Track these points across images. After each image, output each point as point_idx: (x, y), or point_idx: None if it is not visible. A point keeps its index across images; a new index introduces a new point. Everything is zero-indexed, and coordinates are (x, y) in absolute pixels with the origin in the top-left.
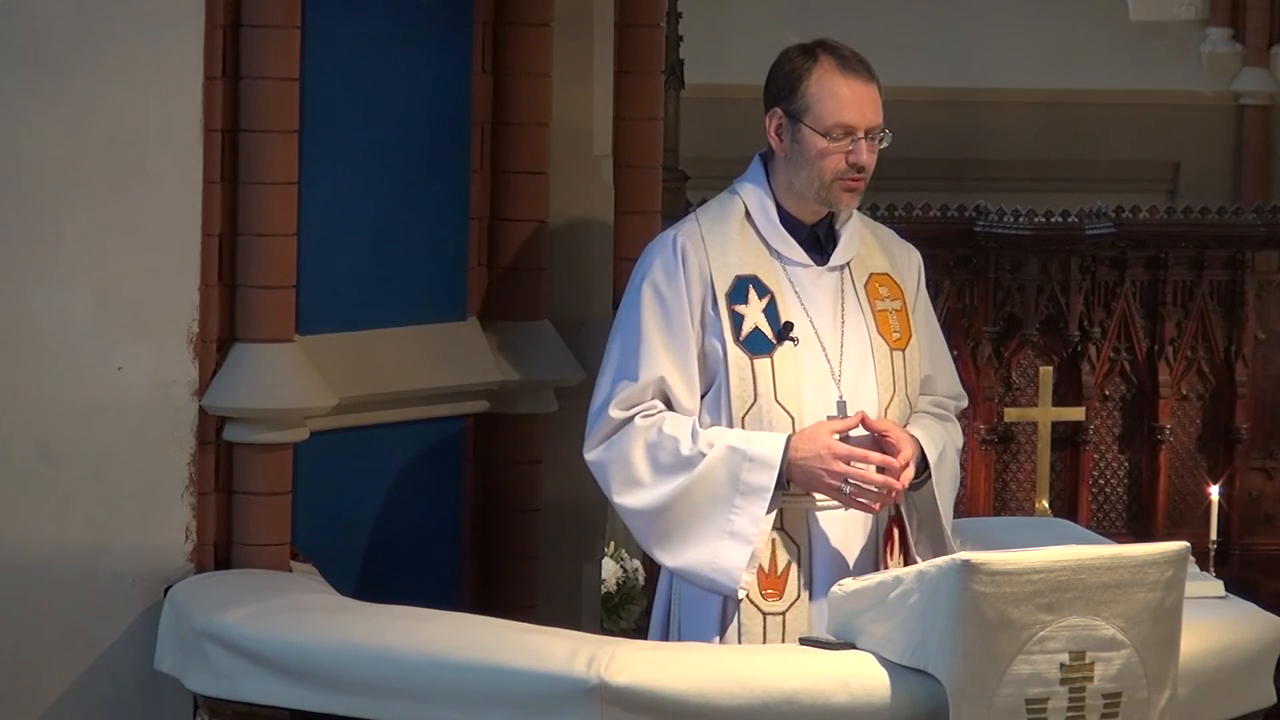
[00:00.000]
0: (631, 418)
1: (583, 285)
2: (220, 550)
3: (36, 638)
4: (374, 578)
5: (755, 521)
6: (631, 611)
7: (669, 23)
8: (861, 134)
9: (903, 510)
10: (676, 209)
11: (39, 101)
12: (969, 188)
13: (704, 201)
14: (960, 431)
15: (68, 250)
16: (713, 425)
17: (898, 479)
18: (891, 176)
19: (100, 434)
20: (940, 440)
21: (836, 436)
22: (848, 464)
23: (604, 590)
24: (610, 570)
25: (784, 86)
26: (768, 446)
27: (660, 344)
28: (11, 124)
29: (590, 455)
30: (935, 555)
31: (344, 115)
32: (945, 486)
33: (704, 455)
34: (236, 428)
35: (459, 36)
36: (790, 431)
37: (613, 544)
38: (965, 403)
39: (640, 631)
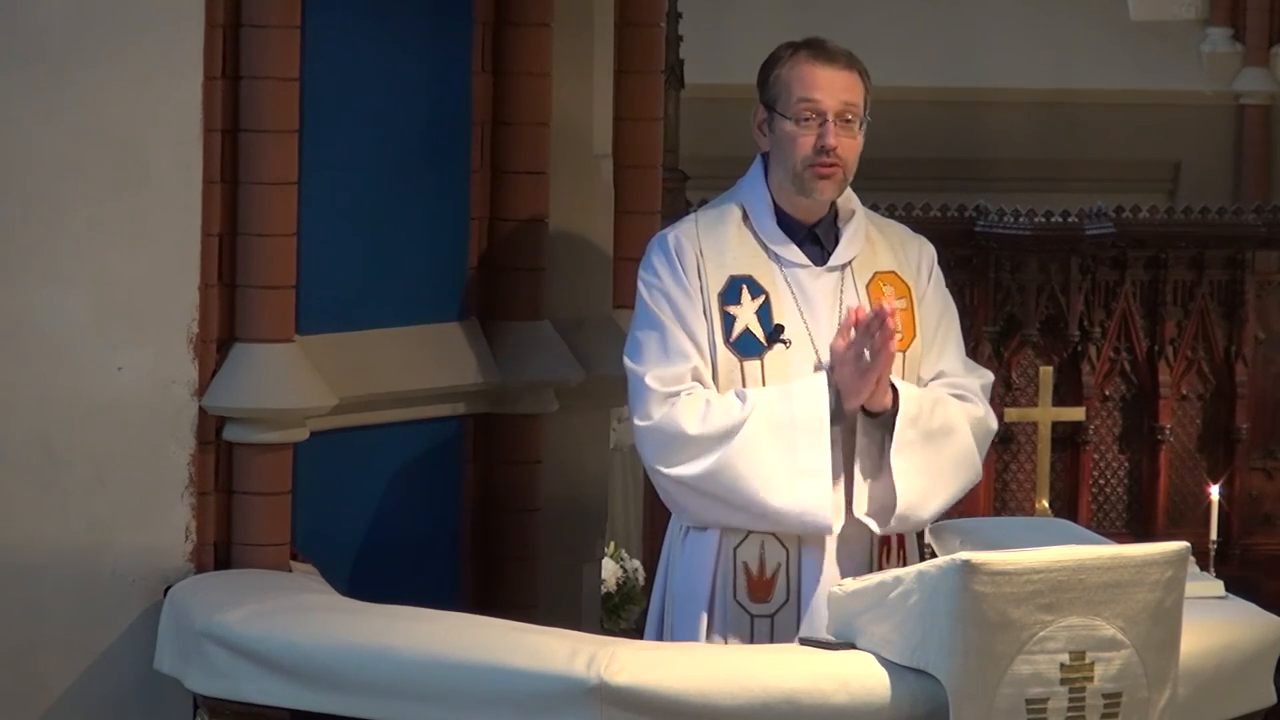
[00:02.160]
0: (676, 393)
1: (582, 285)
2: (220, 550)
3: (36, 638)
4: (374, 578)
5: (825, 455)
6: (631, 611)
7: (669, 23)
8: (830, 115)
9: (858, 466)
10: (676, 209)
11: (39, 101)
12: (969, 188)
13: (704, 202)
14: (989, 415)
15: (68, 250)
16: None
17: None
18: (891, 176)
19: (100, 434)
20: (929, 401)
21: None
22: (854, 344)
23: (604, 590)
24: (610, 570)
25: (762, 79)
26: (811, 381)
27: (684, 338)
28: (12, 124)
29: (643, 422)
30: (876, 517)
31: (344, 115)
32: (919, 447)
33: (753, 411)
34: (236, 428)
35: (459, 36)
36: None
37: (613, 544)
38: (989, 379)
39: (640, 632)
